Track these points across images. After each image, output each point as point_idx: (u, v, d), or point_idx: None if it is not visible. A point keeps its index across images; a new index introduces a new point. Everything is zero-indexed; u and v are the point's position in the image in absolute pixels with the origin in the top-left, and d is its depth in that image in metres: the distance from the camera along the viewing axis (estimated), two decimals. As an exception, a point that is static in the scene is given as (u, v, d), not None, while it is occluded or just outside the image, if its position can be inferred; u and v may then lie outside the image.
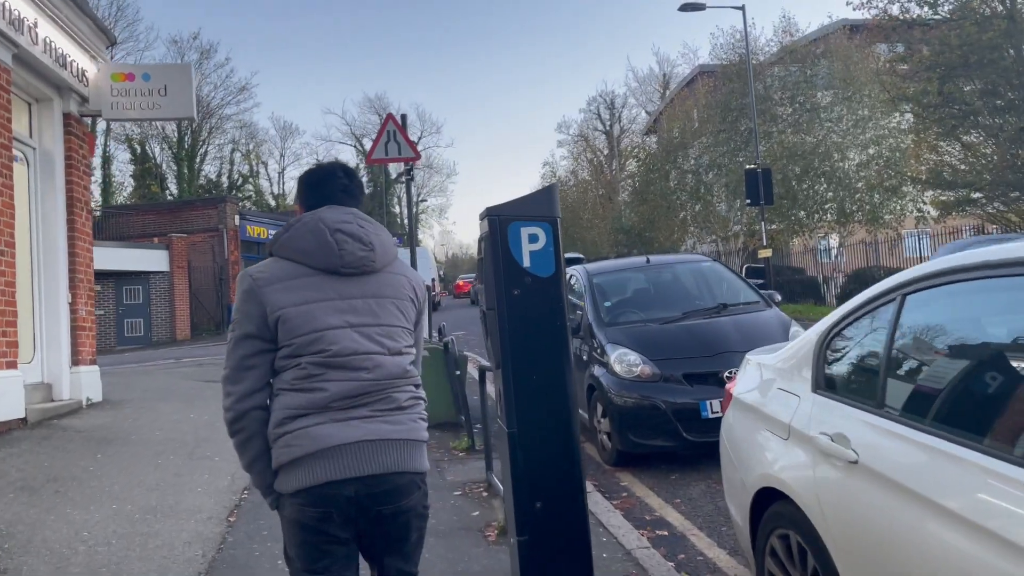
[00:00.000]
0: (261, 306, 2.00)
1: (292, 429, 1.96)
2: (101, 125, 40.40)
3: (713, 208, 28.81)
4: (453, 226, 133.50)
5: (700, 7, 22.41)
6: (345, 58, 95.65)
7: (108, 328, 24.72)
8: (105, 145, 40.83)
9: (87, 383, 8.43)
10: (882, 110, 23.41)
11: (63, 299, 8.25)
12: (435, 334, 8.83)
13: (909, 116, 23.03)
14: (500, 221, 3.18)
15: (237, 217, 28.33)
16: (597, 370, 6.13)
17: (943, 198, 16.05)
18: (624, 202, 46.69)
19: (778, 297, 7.03)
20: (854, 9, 16.56)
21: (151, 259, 25.24)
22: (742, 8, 22.54)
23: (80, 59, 8.58)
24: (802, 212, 23.67)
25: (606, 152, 58.22)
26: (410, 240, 10.31)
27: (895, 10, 16.24)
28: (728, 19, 66.43)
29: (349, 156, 60.44)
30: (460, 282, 56.98)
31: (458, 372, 7.02)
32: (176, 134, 43.31)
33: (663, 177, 29.96)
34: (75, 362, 8.37)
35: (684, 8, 22.46)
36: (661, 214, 31.98)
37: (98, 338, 25.45)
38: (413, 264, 9.21)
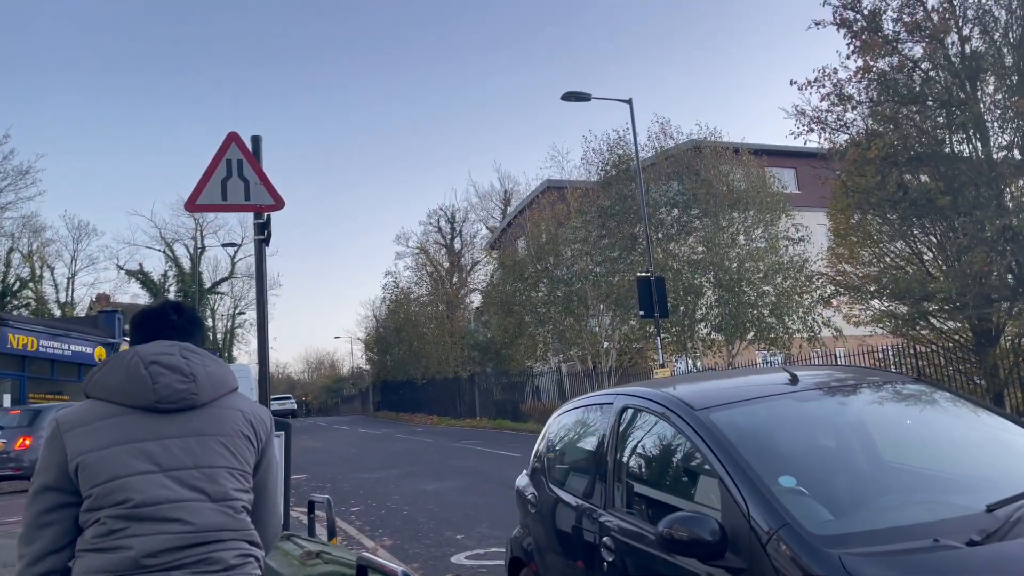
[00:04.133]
0: (61, 453, 1.79)
1: None
2: None
3: (584, 322, 26.02)
4: (274, 342, 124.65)
5: (585, 97, 20.19)
6: (155, 154, 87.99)
7: None
8: None
9: None
10: (769, 218, 22.16)
11: None
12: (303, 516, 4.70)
13: (798, 222, 21.86)
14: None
15: (-5, 323, 21.74)
16: None
17: (893, 309, 13.73)
18: (475, 315, 43.74)
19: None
20: (795, 137, 14.17)
21: None
22: (629, 101, 20.55)
23: None
24: (701, 326, 21.28)
25: (447, 266, 55.51)
26: (260, 332, 6.03)
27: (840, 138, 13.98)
28: (604, 121, 67.07)
29: (157, 262, 53.67)
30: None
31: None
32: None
33: (531, 287, 26.95)
34: None
35: (568, 97, 20.14)
36: (526, 328, 28.86)
37: None
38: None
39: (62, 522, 1.78)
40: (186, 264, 53.80)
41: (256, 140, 6.47)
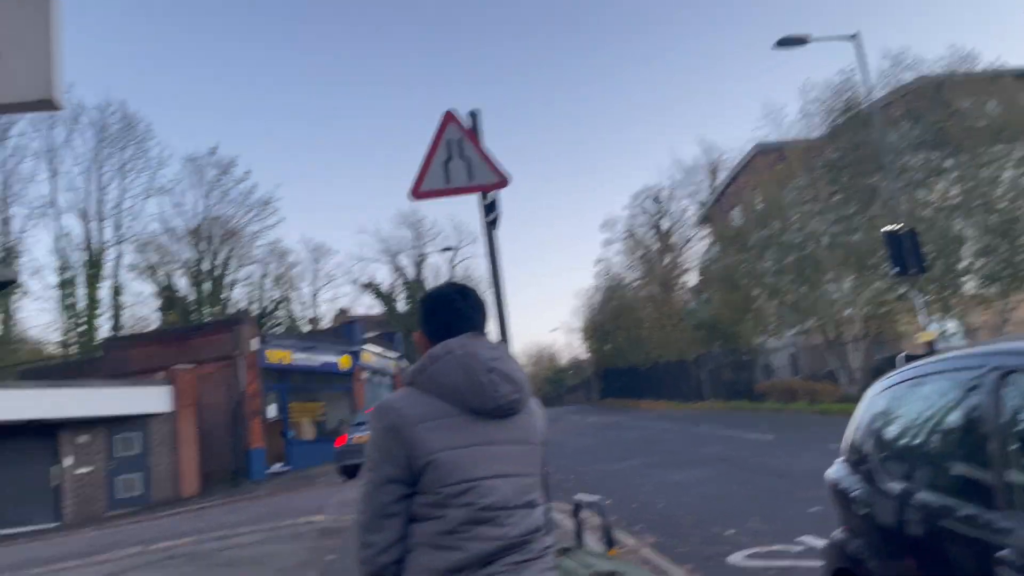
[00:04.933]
0: (408, 447, 1.81)
1: None
2: (111, 253, 37.27)
3: (820, 290, 23.72)
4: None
5: (802, 41, 18.26)
6: (374, 172, 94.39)
7: (96, 489, 19.87)
8: (115, 274, 37.46)
9: None
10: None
11: None
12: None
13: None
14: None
15: (255, 340, 23.88)
16: None
17: None
18: (694, 294, 42.10)
19: None
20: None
21: (150, 398, 20.69)
22: (855, 37, 18.28)
23: None
24: (966, 279, 18.53)
25: (657, 247, 53.97)
26: (499, 315, 5.61)
27: None
28: (821, 70, 62.37)
29: (386, 273, 57.25)
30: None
31: None
32: (195, 257, 39.91)
33: (756, 257, 25.08)
34: None
35: (783, 43, 18.30)
36: (753, 302, 27.02)
37: (86, 503, 20.84)
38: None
39: (403, 514, 1.82)
40: (410, 273, 56.82)
41: (474, 115, 6.06)
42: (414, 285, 55.79)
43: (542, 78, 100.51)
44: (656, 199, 53.72)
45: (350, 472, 17.82)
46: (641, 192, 53.86)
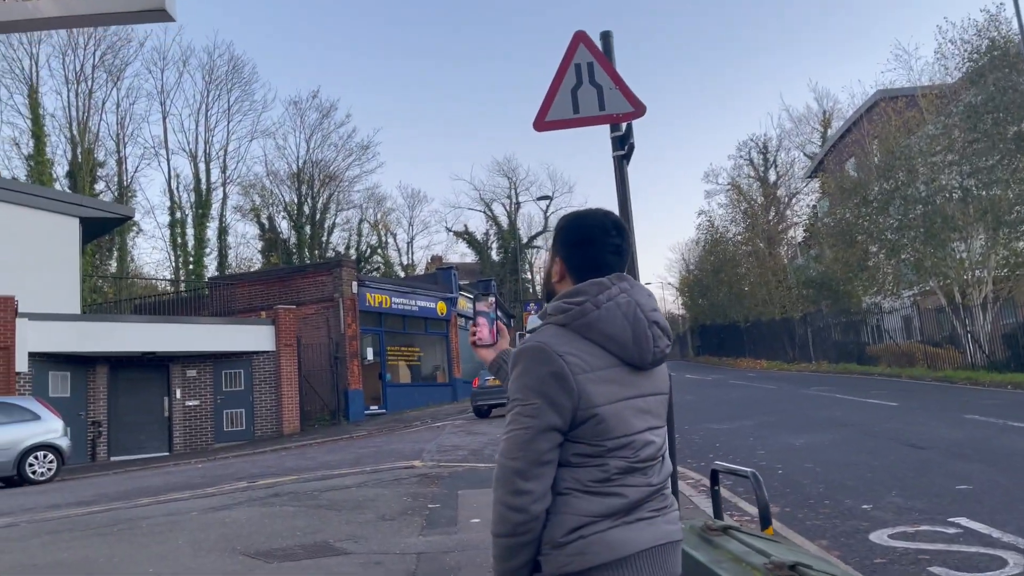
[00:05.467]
0: (574, 398, 1.71)
1: (586, 535, 1.72)
2: (217, 194, 38.40)
3: (949, 248, 21.90)
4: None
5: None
6: (470, 119, 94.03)
7: (204, 422, 20.63)
8: (221, 215, 38.63)
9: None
10: None
11: None
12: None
13: None
14: None
15: (355, 284, 24.07)
16: None
17: None
18: (801, 250, 40.16)
19: None
20: None
21: (254, 336, 21.18)
22: (1011, -35, 16.38)
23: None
24: None
25: (761, 200, 51.76)
26: (633, 273, 4.99)
27: None
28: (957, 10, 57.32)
29: (479, 222, 57.23)
30: None
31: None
32: (296, 200, 40.73)
33: (879, 210, 23.37)
34: None
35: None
36: (869, 259, 25.34)
37: (193, 434, 21.59)
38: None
39: (555, 462, 1.76)
40: (504, 222, 56.57)
41: (606, 38, 5.45)
42: (507, 234, 55.59)
43: (625, 20, 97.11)
44: (764, 149, 51.45)
45: (482, 412, 19.41)
46: (746, 142, 51.49)
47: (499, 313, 2.31)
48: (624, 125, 5.16)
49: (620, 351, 1.76)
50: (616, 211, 5.48)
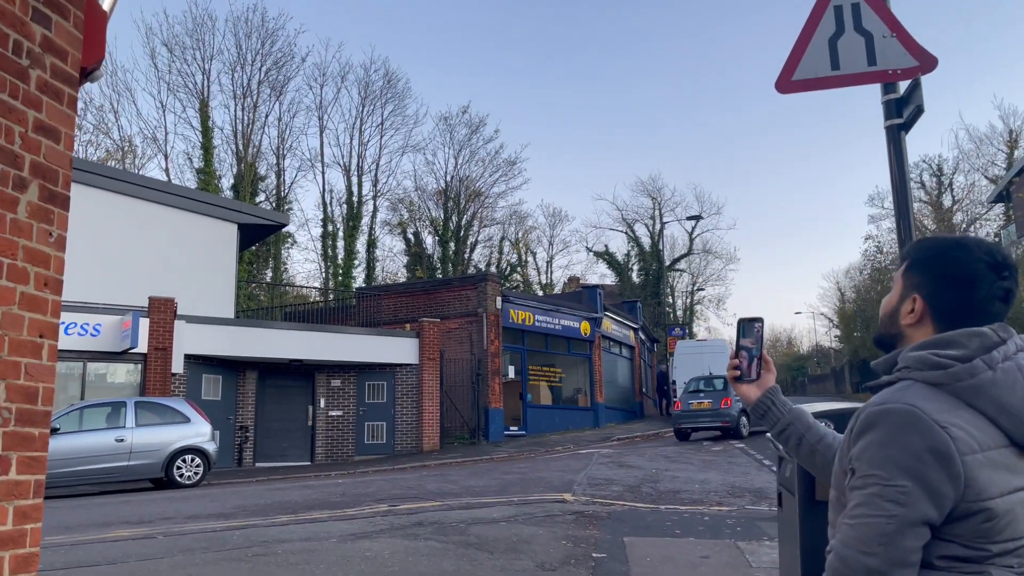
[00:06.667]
0: (959, 485, 1.32)
1: None
2: (367, 207, 39.16)
3: None
4: (732, 317, 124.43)
5: None
6: (614, 138, 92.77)
7: (346, 433, 20.45)
8: (371, 228, 39.34)
9: None
10: None
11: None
12: None
13: None
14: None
15: (499, 299, 23.38)
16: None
17: None
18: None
19: None
20: None
21: (398, 348, 20.86)
22: None
23: None
24: None
25: (933, 228, 47.51)
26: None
27: None
28: None
29: (620, 243, 55.77)
30: None
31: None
32: (442, 216, 40.97)
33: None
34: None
35: None
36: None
37: (335, 445, 21.38)
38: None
39: (919, 564, 1.38)
40: (646, 243, 54.89)
41: (878, -28, 4.15)
42: (649, 255, 53.85)
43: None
44: (938, 171, 47.30)
45: (684, 434, 20.31)
46: (918, 163, 47.63)
47: (762, 342, 1.97)
48: (903, 85, 3.87)
49: (1014, 427, 1.38)
50: (894, 194, 4.15)
